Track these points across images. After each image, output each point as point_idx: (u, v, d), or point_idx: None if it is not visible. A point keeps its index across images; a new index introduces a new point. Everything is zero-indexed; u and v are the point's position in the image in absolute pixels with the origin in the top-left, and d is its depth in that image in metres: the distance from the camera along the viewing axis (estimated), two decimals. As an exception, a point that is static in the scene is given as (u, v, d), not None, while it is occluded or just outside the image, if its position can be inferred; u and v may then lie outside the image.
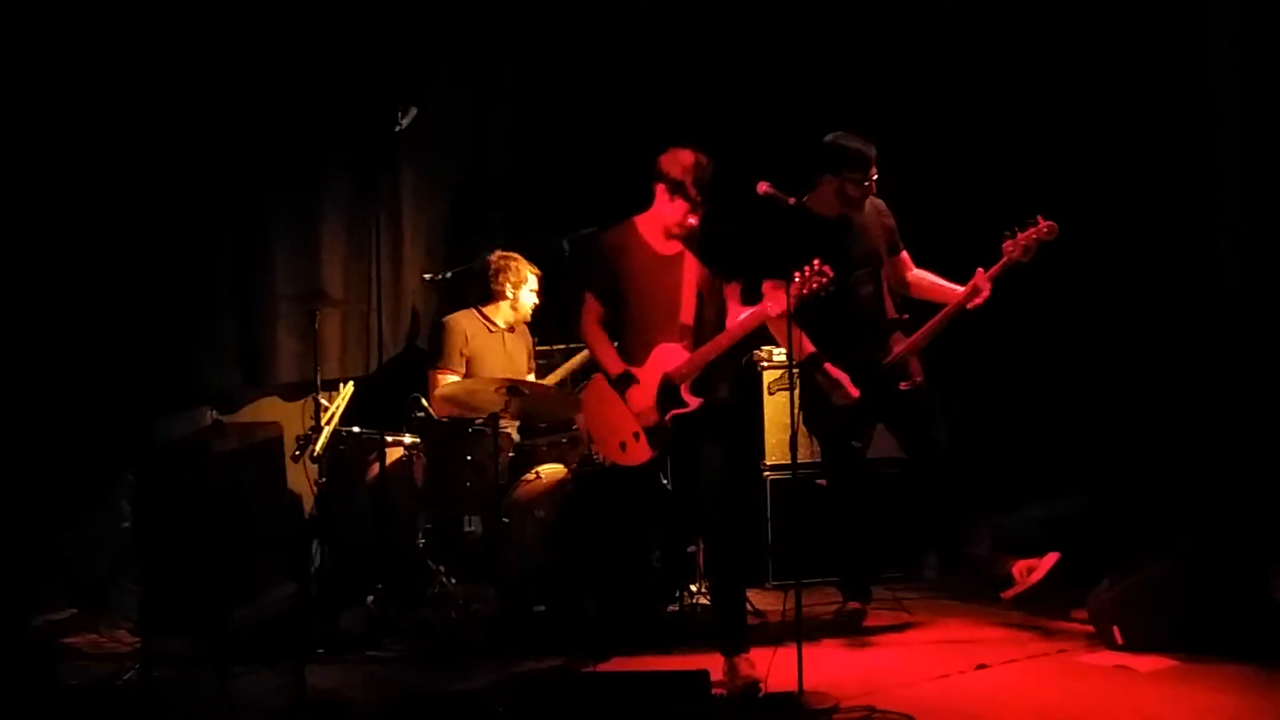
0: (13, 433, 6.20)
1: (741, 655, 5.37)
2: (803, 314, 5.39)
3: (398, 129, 6.61)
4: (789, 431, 5.30)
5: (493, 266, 6.98)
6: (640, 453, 5.55)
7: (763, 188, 5.27)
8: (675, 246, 5.56)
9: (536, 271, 7.00)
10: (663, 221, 5.54)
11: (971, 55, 7.73)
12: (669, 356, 5.49)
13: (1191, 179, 7.41)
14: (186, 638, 5.84)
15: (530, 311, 7.04)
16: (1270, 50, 7.04)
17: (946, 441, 6.10)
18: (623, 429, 5.56)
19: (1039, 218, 5.85)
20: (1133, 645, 5.57)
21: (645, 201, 5.59)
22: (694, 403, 5.48)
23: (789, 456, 5.30)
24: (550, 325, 7.29)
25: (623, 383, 5.56)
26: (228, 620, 5.89)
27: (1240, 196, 7.28)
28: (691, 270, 5.54)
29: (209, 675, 5.47)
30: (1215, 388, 7.19)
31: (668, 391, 5.48)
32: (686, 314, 5.51)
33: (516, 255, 6.98)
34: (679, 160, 5.46)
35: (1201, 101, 7.36)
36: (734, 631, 5.45)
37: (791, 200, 5.24)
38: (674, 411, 5.48)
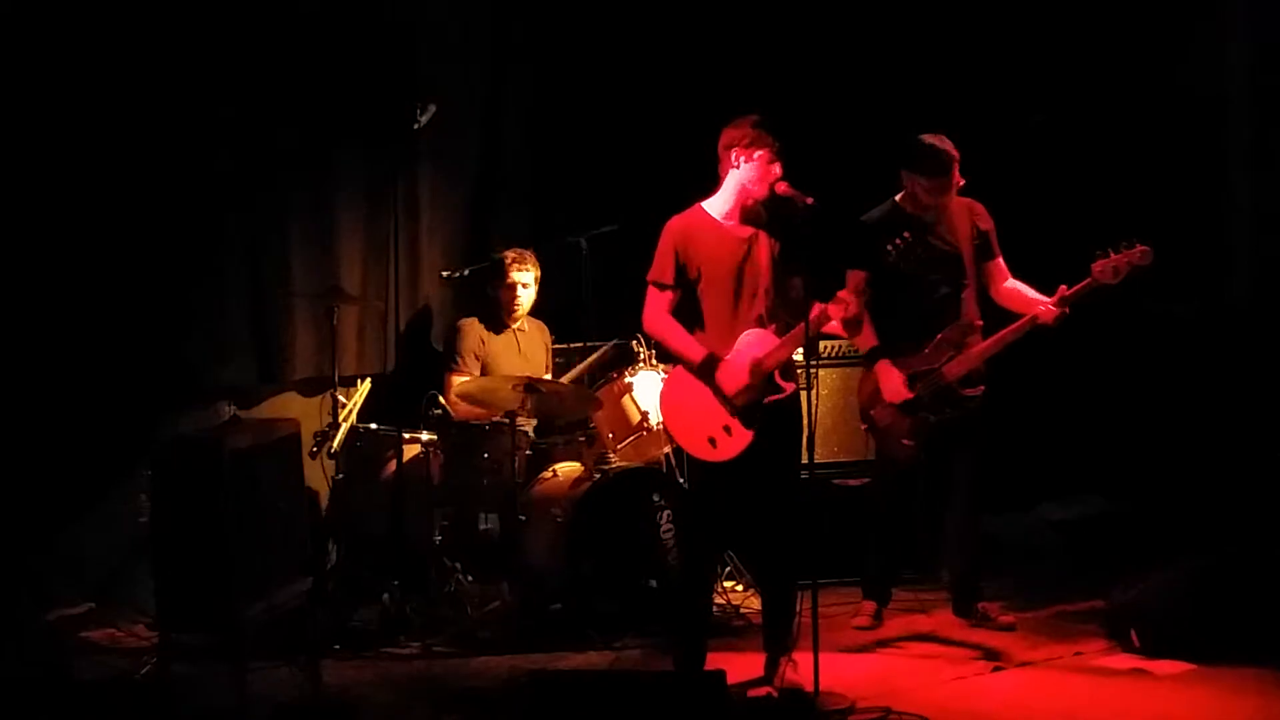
0: (26, 427, 6.22)
1: (788, 657, 5.33)
2: (874, 306, 5.35)
3: (416, 126, 6.61)
4: (807, 430, 5.25)
5: (498, 264, 6.96)
6: (735, 444, 5.24)
7: (781, 188, 5.24)
8: (750, 228, 5.34)
9: (536, 268, 6.96)
10: (743, 190, 5.30)
11: (972, 55, 7.75)
12: (757, 342, 5.25)
13: (1204, 179, 7.42)
14: (203, 632, 5.83)
15: (528, 307, 6.99)
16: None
17: (979, 456, 6.09)
18: (711, 423, 5.28)
19: (1135, 242, 5.72)
20: (1150, 648, 5.56)
21: (668, 199, 5.50)
22: (789, 388, 5.30)
23: (808, 456, 5.27)
24: (566, 324, 7.29)
25: (709, 367, 5.26)
26: (244, 615, 5.88)
27: (1253, 198, 7.28)
28: (767, 250, 5.32)
29: (225, 670, 5.47)
30: (1229, 388, 7.19)
31: (761, 378, 5.24)
32: (768, 297, 5.30)
33: (516, 250, 6.94)
34: (743, 123, 5.30)
35: (1213, 102, 7.37)
36: (787, 633, 5.34)
37: (809, 200, 5.20)
38: (771, 398, 5.26)
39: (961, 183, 5.96)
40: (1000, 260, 6.13)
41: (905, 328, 5.90)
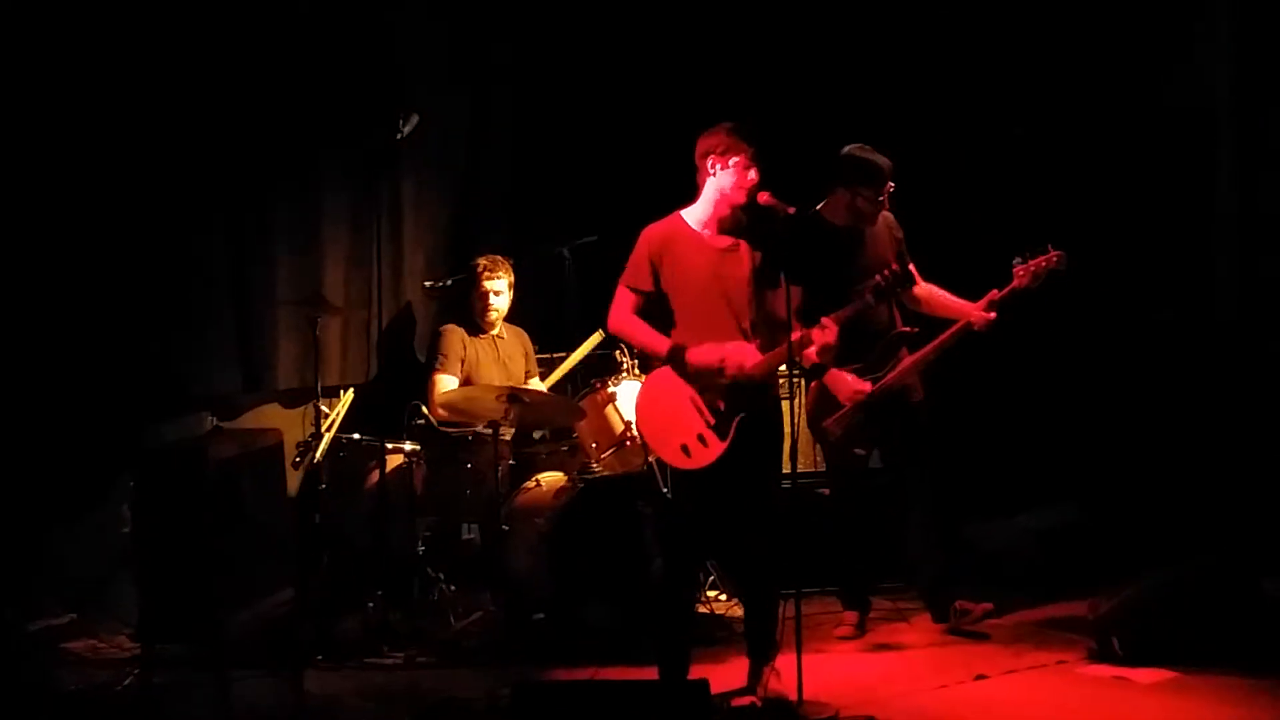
0: (9, 437, 6.20)
1: (770, 665, 5.34)
2: (811, 320, 5.36)
3: (399, 136, 6.61)
4: (788, 441, 5.27)
5: (475, 270, 6.97)
6: (708, 453, 5.22)
7: (763, 198, 5.26)
8: (729, 239, 5.33)
9: (510, 275, 6.96)
10: (721, 197, 5.29)
11: (967, 65, 7.78)
12: (740, 355, 5.24)
13: (1186, 187, 7.45)
14: (186, 643, 5.84)
15: (502, 313, 6.99)
16: (1267, 64, 7.10)
17: (930, 461, 6.12)
18: (685, 431, 5.24)
19: (1049, 246, 5.88)
20: (1132, 657, 5.57)
21: (651, 209, 5.50)
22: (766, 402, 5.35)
23: (789, 465, 5.28)
24: (549, 334, 7.30)
25: (677, 355, 5.23)
26: (227, 626, 5.89)
27: (1240, 213, 7.31)
28: (748, 262, 5.31)
29: (208, 681, 5.47)
30: (1205, 395, 7.22)
31: (740, 390, 5.24)
32: (750, 309, 5.29)
33: (488, 258, 6.93)
34: (718, 130, 5.31)
35: (1199, 109, 7.41)
36: (770, 641, 5.35)
37: (791, 210, 5.22)
38: (746, 412, 5.24)
39: (893, 188, 6.02)
40: (912, 266, 6.20)
41: (846, 339, 5.87)
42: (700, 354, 5.23)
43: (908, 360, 6.07)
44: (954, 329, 6.02)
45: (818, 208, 6.14)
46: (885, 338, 6.07)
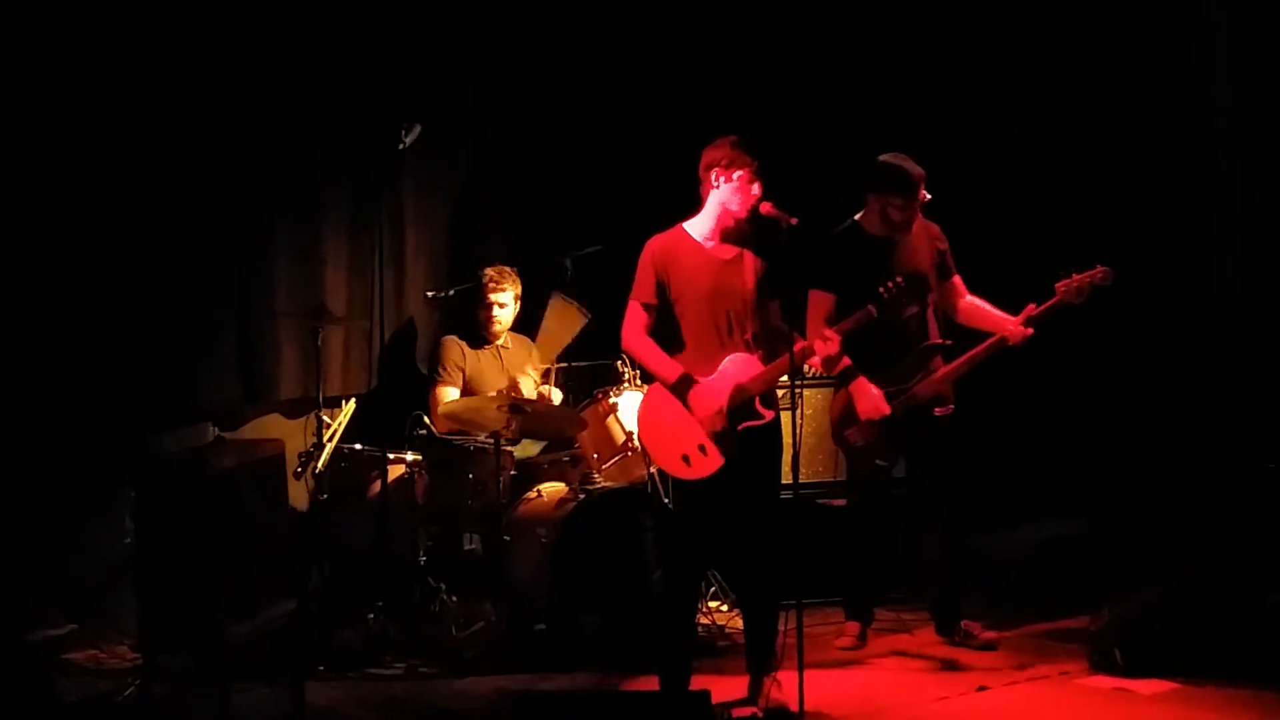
0: (10, 447, 6.20)
1: (771, 676, 5.34)
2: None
3: (401, 146, 6.61)
4: (791, 451, 5.27)
5: (481, 282, 6.97)
6: (708, 464, 5.24)
7: (765, 208, 5.26)
8: (733, 250, 5.36)
9: (516, 286, 6.97)
10: (724, 210, 5.32)
11: (966, 66, 7.79)
12: (742, 367, 5.27)
13: (1190, 199, 7.45)
14: (187, 653, 5.84)
15: (506, 325, 7.01)
16: (1266, 65, 7.11)
17: (949, 474, 6.10)
18: (685, 441, 5.28)
19: (1096, 264, 5.84)
20: (1134, 668, 5.55)
21: (653, 220, 5.50)
22: (768, 415, 5.31)
23: (791, 476, 5.28)
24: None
25: (683, 387, 5.25)
26: (228, 636, 5.88)
27: (1240, 215, 7.31)
28: (752, 274, 5.32)
29: (209, 691, 5.47)
30: (1211, 406, 7.21)
31: (741, 403, 5.27)
32: (753, 322, 5.31)
33: (495, 270, 6.95)
34: (722, 144, 5.33)
35: (1199, 109, 7.42)
36: (770, 652, 5.35)
37: (793, 220, 5.21)
38: (747, 424, 5.26)
39: (928, 198, 6.00)
40: (958, 278, 6.19)
41: (875, 348, 5.88)
42: (704, 399, 5.23)
43: (940, 371, 6.04)
44: (988, 343, 5.97)
45: (855, 217, 6.11)
46: (917, 348, 6.05)
